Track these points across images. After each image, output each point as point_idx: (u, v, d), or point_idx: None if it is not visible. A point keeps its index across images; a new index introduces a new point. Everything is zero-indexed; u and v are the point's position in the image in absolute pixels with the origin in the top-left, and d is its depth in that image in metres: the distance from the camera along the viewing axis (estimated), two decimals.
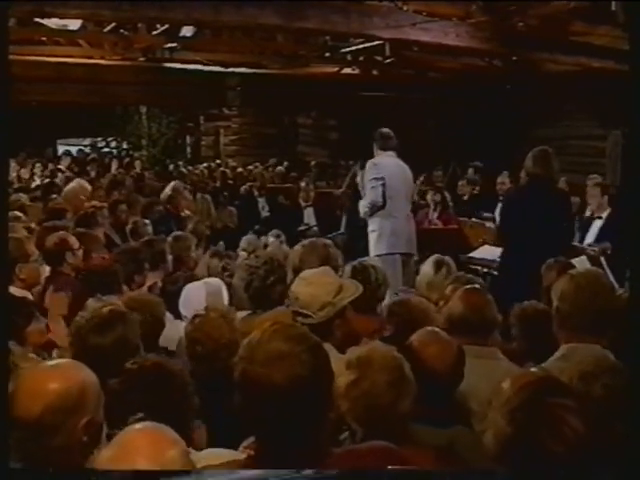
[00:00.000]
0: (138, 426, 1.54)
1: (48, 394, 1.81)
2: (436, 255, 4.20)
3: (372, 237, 5.86)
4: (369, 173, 5.83)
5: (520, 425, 1.51)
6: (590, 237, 6.38)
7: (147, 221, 6.48)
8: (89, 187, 6.86)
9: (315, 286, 2.71)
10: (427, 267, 4.10)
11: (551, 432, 1.49)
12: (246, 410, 1.64)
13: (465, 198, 9.28)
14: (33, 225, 5.52)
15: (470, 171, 10.16)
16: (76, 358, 2.35)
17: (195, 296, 3.50)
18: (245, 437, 2.01)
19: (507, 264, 4.87)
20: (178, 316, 3.56)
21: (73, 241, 4.36)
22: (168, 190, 8.07)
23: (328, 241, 3.96)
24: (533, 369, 2.47)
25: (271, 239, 6.59)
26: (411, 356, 2.37)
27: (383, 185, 5.72)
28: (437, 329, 2.57)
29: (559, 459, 1.49)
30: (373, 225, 5.86)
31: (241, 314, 3.46)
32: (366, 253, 5.78)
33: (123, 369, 2.20)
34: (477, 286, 3.24)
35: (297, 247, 3.77)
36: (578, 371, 1.98)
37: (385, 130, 5.98)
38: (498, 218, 6.19)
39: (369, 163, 5.90)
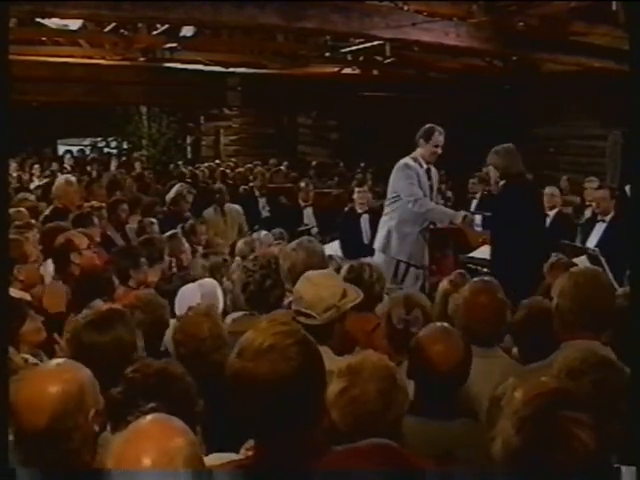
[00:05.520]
0: (149, 416, 1.58)
1: (50, 401, 1.84)
2: None
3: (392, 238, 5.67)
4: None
5: (529, 436, 1.47)
6: (593, 239, 6.32)
7: (154, 220, 6.45)
8: (74, 179, 6.84)
9: (321, 288, 2.72)
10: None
11: (560, 446, 1.45)
12: (238, 407, 1.63)
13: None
14: (34, 222, 5.52)
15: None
16: (73, 356, 2.37)
17: (190, 298, 3.48)
18: (235, 437, 2.02)
19: (505, 264, 4.74)
20: (173, 316, 3.55)
21: (79, 241, 4.37)
22: (172, 193, 7.97)
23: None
24: (534, 366, 2.48)
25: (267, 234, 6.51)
26: (417, 352, 2.38)
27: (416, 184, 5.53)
28: (446, 325, 2.55)
29: (565, 472, 1.45)
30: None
31: (235, 315, 3.46)
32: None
33: (125, 377, 2.17)
34: (485, 288, 2.92)
35: (296, 250, 3.56)
36: (565, 366, 1.96)
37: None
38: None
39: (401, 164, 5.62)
